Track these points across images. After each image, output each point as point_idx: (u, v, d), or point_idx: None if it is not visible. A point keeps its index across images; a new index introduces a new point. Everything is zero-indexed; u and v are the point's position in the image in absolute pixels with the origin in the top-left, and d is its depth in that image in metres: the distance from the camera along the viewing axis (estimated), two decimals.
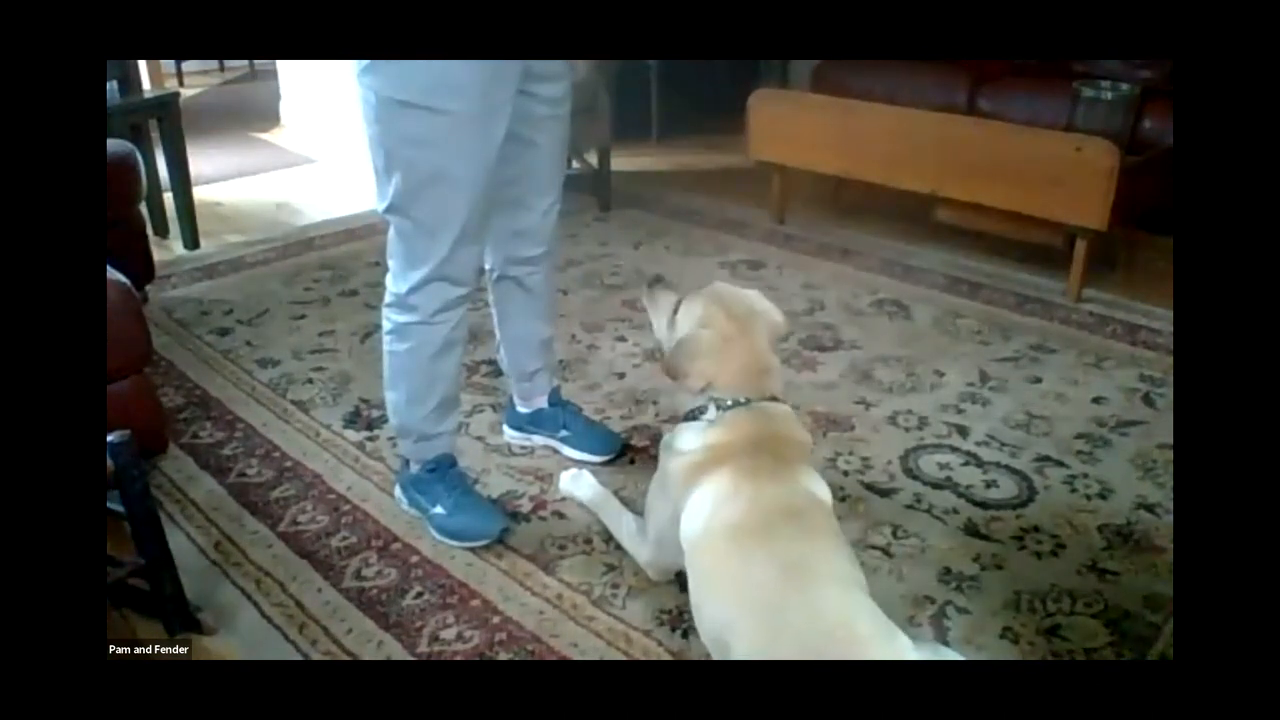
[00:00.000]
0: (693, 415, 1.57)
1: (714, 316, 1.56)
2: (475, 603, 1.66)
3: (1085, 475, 2.00)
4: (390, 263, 1.70)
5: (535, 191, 1.81)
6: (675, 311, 1.63)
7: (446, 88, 1.50)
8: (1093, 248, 2.85)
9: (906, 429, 2.19)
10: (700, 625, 1.43)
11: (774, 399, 1.56)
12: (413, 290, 1.67)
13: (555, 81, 1.70)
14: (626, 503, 1.84)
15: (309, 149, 4.82)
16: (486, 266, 1.93)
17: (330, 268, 3.26)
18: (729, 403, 1.52)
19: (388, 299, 1.72)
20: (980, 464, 2.05)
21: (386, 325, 1.75)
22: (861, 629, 1.25)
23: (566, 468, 1.99)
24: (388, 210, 1.63)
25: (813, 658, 1.21)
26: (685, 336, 1.57)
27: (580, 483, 1.92)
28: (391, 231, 1.67)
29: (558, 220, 1.89)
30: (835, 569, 1.34)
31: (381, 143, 1.57)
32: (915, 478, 2.00)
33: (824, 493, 1.50)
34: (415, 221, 1.62)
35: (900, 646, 1.22)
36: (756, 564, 1.35)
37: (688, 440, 1.53)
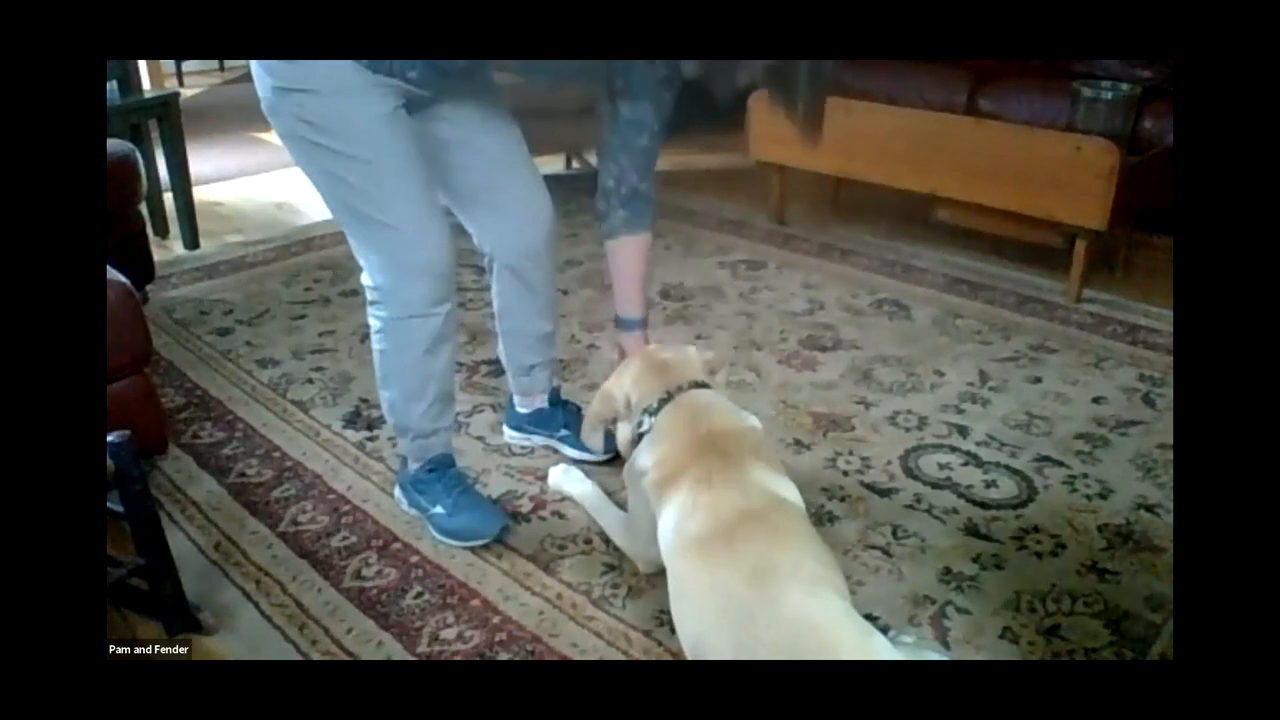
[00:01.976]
0: (640, 436, 1.59)
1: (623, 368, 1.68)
2: (475, 603, 1.66)
3: (1085, 475, 2.00)
4: (361, 263, 1.68)
5: (504, 170, 1.79)
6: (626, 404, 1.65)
7: (319, 67, 1.49)
8: (1093, 248, 2.85)
9: (906, 429, 2.19)
10: (680, 638, 1.44)
11: (700, 385, 1.59)
12: (387, 284, 1.65)
13: (470, 73, 1.67)
14: (625, 503, 1.84)
15: None
16: (485, 259, 1.92)
17: (330, 268, 3.26)
18: (654, 405, 1.56)
19: (370, 297, 1.70)
20: (980, 464, 2.05)
21: (373, 325, 1.73)
22: (830, 635, 1.23)
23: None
24: (333, 211, 1.63)
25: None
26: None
27: (570, 477, 1.92)
28: (349, 232, 1.66)
29: (554, 213, 1.87)
30: (801, 570, 1.33)
31: (291, 135, 1.57)
32: (915, 478, 2.00)
33: (786, 490, 1.48)
34: (357, 214, 1.60)
35: (874, 647, 1.21)
36: (722, 573, 1.34)
37: (642, 460, 1.56)
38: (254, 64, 1.54)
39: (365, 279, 1.69)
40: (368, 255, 1.66)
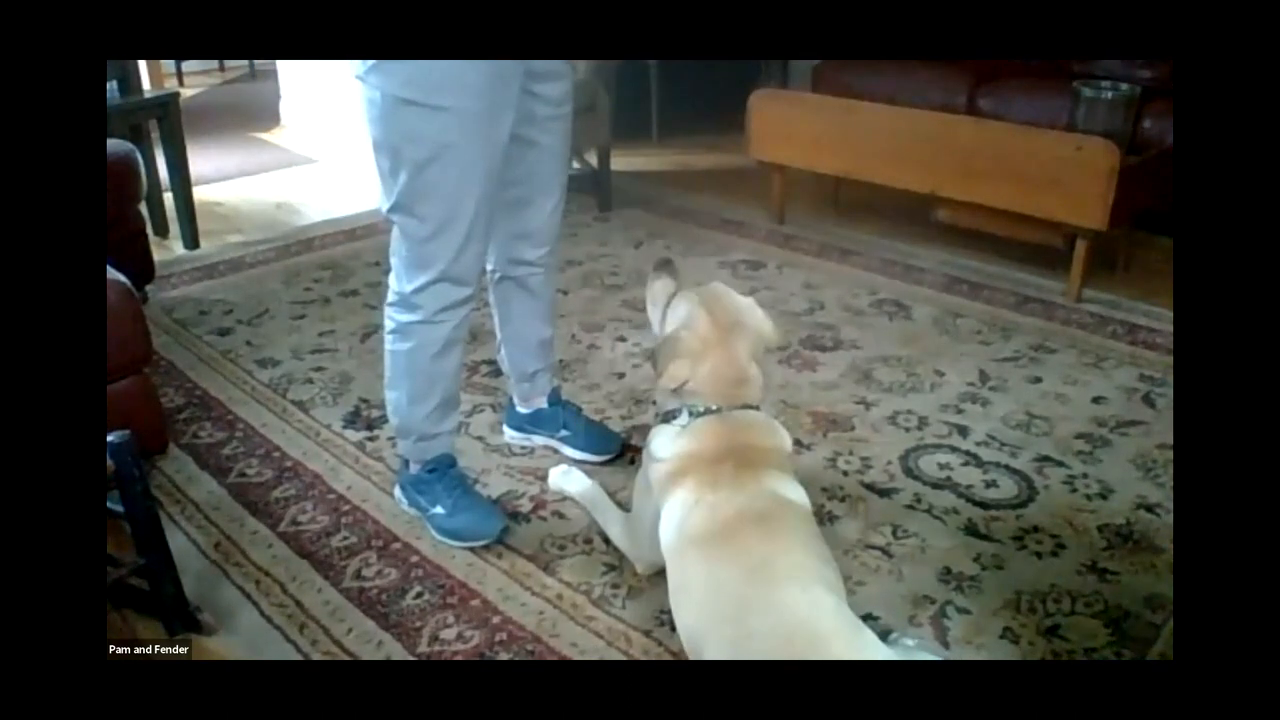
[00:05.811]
0: (669, 416, 1.58)
1: (697, 319, 1.55)
2: (475, 603, 1.66)
3: (1085, 475, 2.00)
4: (393, 262, 1.70)
5: (540, 192, 1.81)
6: (668, 303, 1.64)
7: (452, 85, 1.50)
8: (1093, 248, 2.85)
9: (906, 429, 2.19)
10: (679, 630, 1.45)
11: (749, 407, 1.55)
12: (417, 290, 1.67)
13: (556, 80, 1.70)
14: (626, 503, 1.84)
15: (309, 149, 4.82)
16: (488, 268, 1.93)
17: (330, 268, 3.26)
18: (700, 409, 1.53)
19: (391, 298, 1.72)
20: (980, 464, 2.05)
21: (389, 325, 1.75)
22: (822, 627, 1.25)
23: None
24: (393, 210, 1.63)
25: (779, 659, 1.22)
26: (667, 335, 1.57)
27: (570, 478, 1.93)
28: (395, 231, 1.67)
29: (561, 221, 1.89)
30: (796, 566, 1.34)
31: (387, 143, 1.57)
32: (915, 478, 2.00)
33: (796, 495, 1.49)
34: (421, 221, 1.62)
35: (864, 643, 1.23)
36: (720, 571, 1.36)
37: (662, 446, 1.55)
38: (368, 73, 1.51)
39: (392, 279, 1.71)
40: (408, 259, 1.67)
